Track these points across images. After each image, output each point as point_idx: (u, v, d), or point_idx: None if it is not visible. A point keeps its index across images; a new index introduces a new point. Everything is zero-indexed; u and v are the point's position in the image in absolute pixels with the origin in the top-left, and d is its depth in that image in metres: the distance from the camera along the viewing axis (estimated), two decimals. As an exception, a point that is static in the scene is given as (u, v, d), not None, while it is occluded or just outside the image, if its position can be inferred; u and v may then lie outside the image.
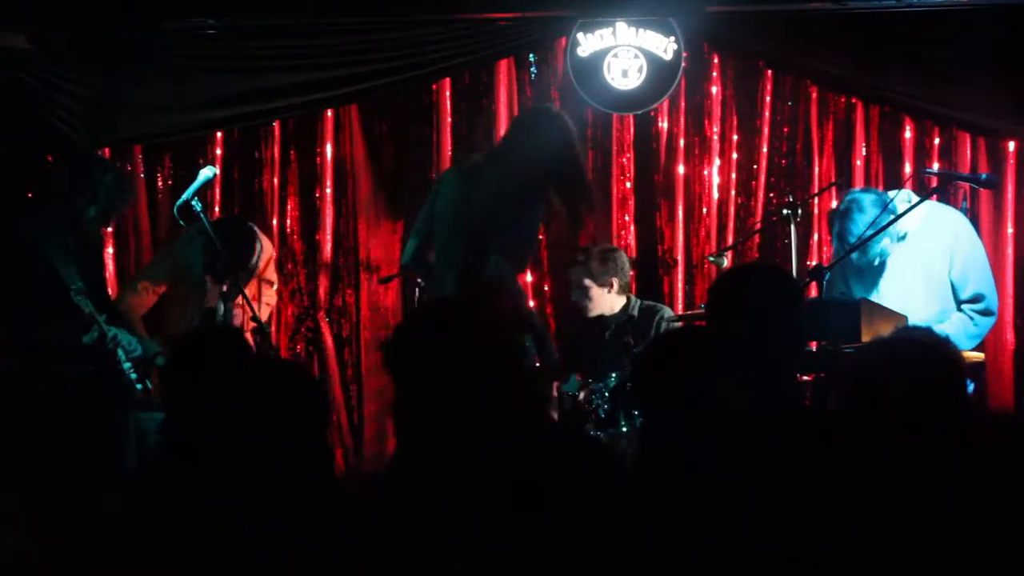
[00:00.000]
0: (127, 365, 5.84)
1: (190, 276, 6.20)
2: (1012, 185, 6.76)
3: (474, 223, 5.55)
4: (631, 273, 6.90)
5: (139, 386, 5.86)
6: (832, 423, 3.09)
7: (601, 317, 6.49)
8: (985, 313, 5.72)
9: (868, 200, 5.58)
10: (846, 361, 3.63)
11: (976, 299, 5.69)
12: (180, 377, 3.55)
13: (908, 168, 6.77)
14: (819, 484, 2.77)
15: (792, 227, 5.90)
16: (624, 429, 5.72)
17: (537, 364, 5.63)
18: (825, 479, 2.78)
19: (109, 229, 7.04)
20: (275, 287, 6.70)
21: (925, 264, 5.64)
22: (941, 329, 5.26)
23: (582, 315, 6.52)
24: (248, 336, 6.16)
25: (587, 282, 6.43)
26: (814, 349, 5.03)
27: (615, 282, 6.46)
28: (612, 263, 6.45)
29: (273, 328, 6.94)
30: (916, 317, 5.39)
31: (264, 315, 6.53)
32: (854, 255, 5.56)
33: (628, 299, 6.53)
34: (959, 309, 5.71)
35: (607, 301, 6.47)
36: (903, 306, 5.43)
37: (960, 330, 5.58)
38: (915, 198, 5.63)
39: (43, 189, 6.16)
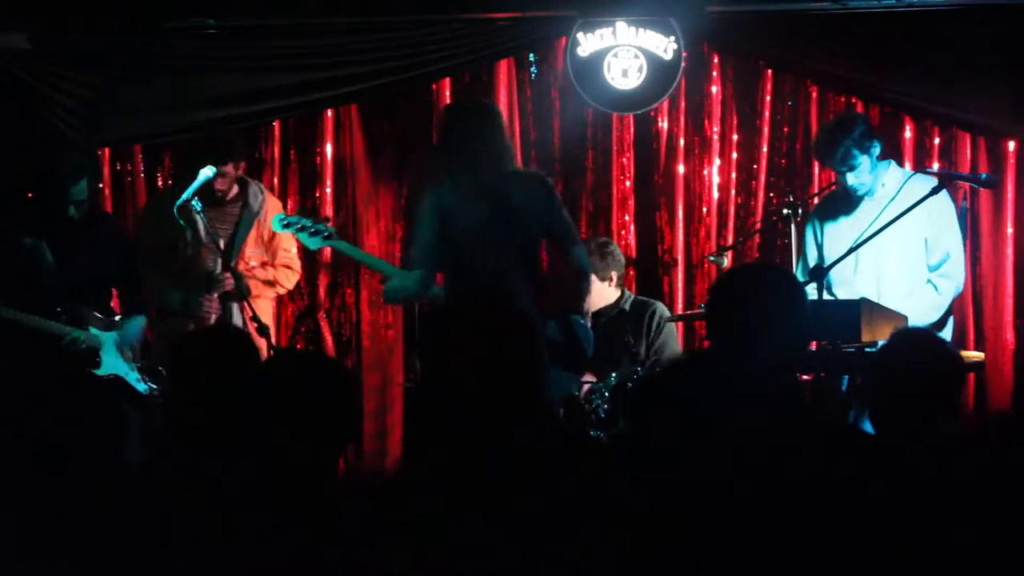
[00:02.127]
0: (127, 367, 5.84)
1: (184, 246, 6.19)
2: (1012, 185, 6.75)
3: (519, 230, 5.41)
4: (630, 272, 6.91)
5: (143, 388, 5.85)
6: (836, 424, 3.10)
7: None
8: (946, 276, 5.66)
9: (858, 129, 5.60)
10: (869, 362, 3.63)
11: (942, 262, 5.65)
12: (184, 375, 3.54)
13: (908, 168, 6.77)
14: (819, 484, 2.77)
15: (792, 227, 5.91)
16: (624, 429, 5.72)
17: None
18: (826, 479, 2.78)
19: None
20: (294, 250, 6.52)
21: (901, 227, 5.56)
22: (908, 305, 5.33)
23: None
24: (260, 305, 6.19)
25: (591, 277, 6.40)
26: (814, 349, 5.03)
27: (614, 276, 6.47)
28: (611, 256, 6.46)
29: (273, 327, 6.92)
30: (886, 281, 5.43)
31: (285, 282, 6.53)
32: (836, 158, 5.58)
33: (622, 292, 6.53)
34: (928, 279, 5.67)
35: (605, 294, 6.45)
36: (876, 265, 5.52)
37: (927, 303, 5.56)
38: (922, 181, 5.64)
39: (36, 188, 6.15)
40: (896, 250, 5.61)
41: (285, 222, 5.78)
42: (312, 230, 5.74)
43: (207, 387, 3.40)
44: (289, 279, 6.60)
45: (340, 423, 3.15)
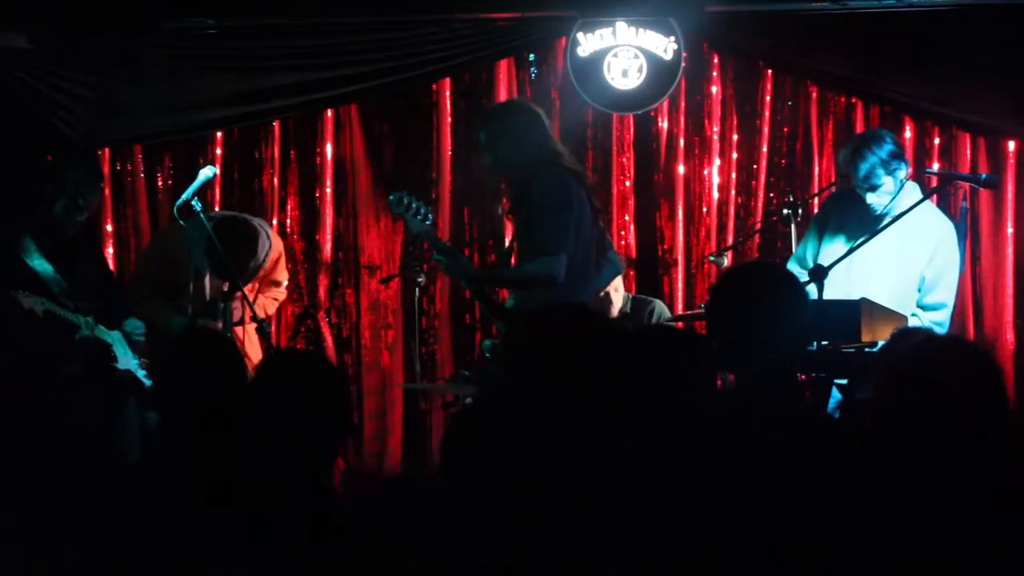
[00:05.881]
0: (135, 363, 5.85)
1: (186, 269, 6.16)
2: (1012, 185, 6.76)
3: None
4: (630, 272, 6.92)
5: (149, 382, 5.86)
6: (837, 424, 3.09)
7: None
8: (940, 324, 5.54)
9: (887, 149, 5.45)
10: (890, 355, 3.57)
11: (936, 308, 5.56)
12: (173, 378, 3.54)
13: (908, 168, 6.77)
14: (820, 484, 2.77)
15: (792, 227, 5.91)
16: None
17: None
18: (826, 479, 2.78)
19: (109, 228, 7.06)
20: (284, 284, 6.54)
21: (902, 250, 5.50)
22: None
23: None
24: (249, 333, 6.16)
25: (619, 280, 6.39)
26: (814, 349, 5.02)
27: (621, 279, 6.46)
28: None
29: (273, 327, 6.94)
30: (878, 296, 5.33)
31: (271, 309, 6.52)
32: (860, 175, 5.43)
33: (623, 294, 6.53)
34: (916, 314, 5.56)
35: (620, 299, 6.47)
36: (869, 272, 5.40)
37: None
38: (918, 191, 5.60)
39: (28, 189, 6.16)
40: (891, 278, 5.49)
41: (399, 203, 5.32)
42: (420, 214, 5.36)
43: (196, 388, 3.41)
44: (273, 308, 6.55)
45: (329, 422, 3.14)
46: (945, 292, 5.58)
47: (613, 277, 5.83)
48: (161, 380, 3.60)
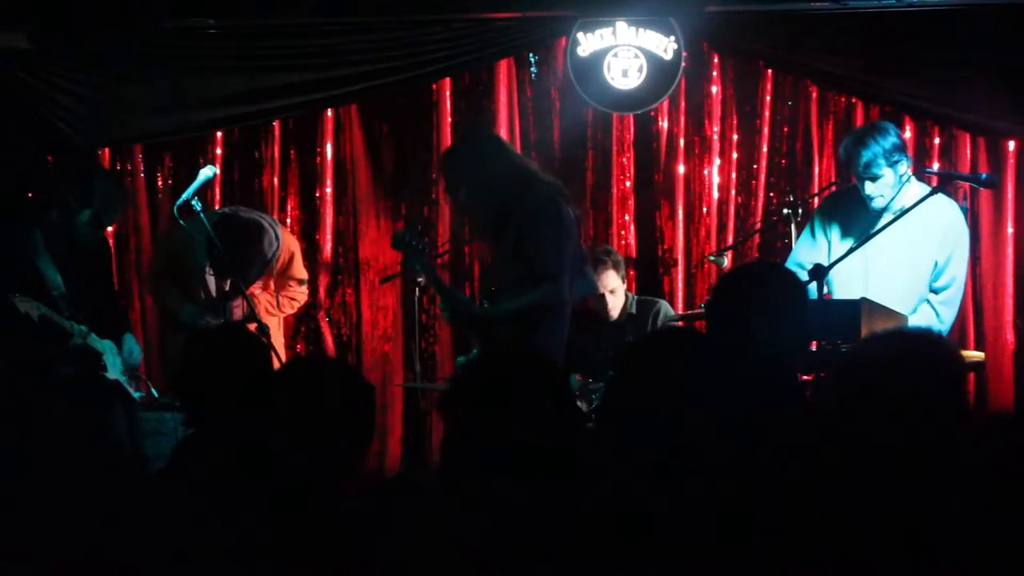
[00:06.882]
0: (124, 377, 5.86)
1: (188, 263, 6.16)
2: (1012, 185, 6.76)
3: None
4: (630, 272, 6.91)
5: (137, 394, 5.88)
6: (831, 422, 3.09)
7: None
8: (948, 303, 5.59)
9: (890, 140, 5.46)
10: (846, 356, 3.58)
11: (946, 287, 5.59)
12: (197, 379, 3.52)
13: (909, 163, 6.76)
14: (819, 484, 2.78)
15: (792, 227, 5.91)
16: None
17: None
18: (826, 479, 2.79)
19: (109, 228, 7.06)
20: (303, 282, 6.53)
21: (914, 241, 5.51)
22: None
23: (603, 318, 6.43)
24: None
25: (618, 282, 6.39)
26: (814, 349, 5.02)
27: (623, 279, 6.47)
28: (622, 260, 6.47)
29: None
30: (893, 295, 5.34)
31: (289, 311, 6.54)
32: (861, 162, 5.41)
33: (626, 295, 6.53)
34: (927, 299, 5.60)
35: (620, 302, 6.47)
36: (885, 282, 5.41)
37: (925, 326, 5.50)
38: (923, 186, 5.60)
39: (40, 191, 6.17)
40: (906, 270, 5.52)
41: (400, 241, 5.37)
42: (420, 251, 5.37)
43: (222, 386, 3.39)
44: (292, 307, 6.56)
45: (361, 431, 3.13)
46: (956, 270, 5.60)
47: (586, 293, 5.81)
48: (185, 379, 3.58)
